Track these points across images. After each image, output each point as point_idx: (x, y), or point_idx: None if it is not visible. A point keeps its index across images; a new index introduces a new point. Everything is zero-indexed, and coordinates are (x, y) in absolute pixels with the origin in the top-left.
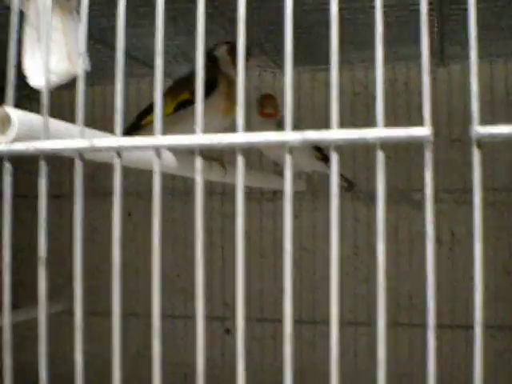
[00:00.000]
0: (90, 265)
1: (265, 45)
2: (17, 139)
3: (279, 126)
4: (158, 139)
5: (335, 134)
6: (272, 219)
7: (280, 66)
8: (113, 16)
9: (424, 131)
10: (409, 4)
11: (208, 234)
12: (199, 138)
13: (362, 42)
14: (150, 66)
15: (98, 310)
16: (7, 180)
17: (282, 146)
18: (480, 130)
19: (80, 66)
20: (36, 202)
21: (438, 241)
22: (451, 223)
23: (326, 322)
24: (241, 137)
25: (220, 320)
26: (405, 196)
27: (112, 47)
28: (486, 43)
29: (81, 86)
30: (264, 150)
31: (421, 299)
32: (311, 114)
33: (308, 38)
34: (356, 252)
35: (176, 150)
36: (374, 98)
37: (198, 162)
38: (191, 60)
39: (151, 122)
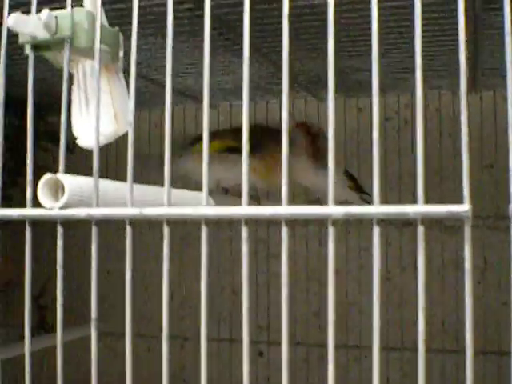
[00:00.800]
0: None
1: (299, 76)
2: (68, 205)
3: (315, 155)
4: (205, 209)
5: (377, 208)
6: (304, 244)
7: (313, 93)
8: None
9: (463, 208)
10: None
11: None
12: (244, 208)
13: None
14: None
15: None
16: (60, 244)
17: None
18: None
19: (126, 126)
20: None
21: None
22: (483, 249)
23: (359, 346)
24: (284, 209)
25: (253, 343)
26: (436, 221)
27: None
28: None
29: (130, 153)
30: (296, 177)
31: (452, 325)
32: (343, 140)
33: (341, 68)
34: (388, 277)
35: (222, 221)
36: (405, 123)
37: (244, 232)
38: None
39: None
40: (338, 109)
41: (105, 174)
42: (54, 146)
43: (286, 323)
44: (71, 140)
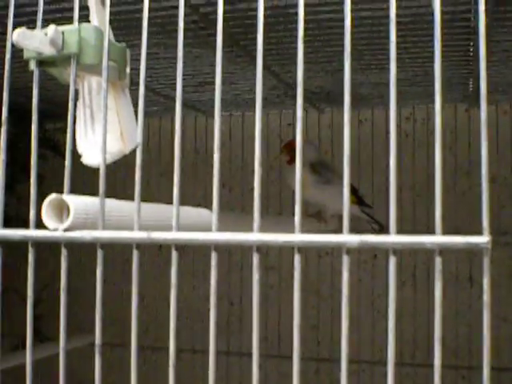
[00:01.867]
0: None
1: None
2: (73, 227)
3: (314, 169)
4: (215, 235)
5: (394, 238)
6: (303, 256)
7: (317, 106)
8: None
9: (482, 239)
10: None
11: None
12: (256, 235)
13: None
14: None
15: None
16: (64, 265)
17: (341, 249)
18: None
19: (132, 144)
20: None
21: (470, 281)
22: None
23: (372, 362)
24: (298, 237)
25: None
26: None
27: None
28: None
29: (137, 175)
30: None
31: (457, 342)
32: (355, 152)
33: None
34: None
35: (231, 247)
36: (406, 136)
37: (256, 259)
38: None
39: None
40: (339, 121)
41: (113, 180)
42: (51, 153)
43: (298, 347)
44: (73, 149)
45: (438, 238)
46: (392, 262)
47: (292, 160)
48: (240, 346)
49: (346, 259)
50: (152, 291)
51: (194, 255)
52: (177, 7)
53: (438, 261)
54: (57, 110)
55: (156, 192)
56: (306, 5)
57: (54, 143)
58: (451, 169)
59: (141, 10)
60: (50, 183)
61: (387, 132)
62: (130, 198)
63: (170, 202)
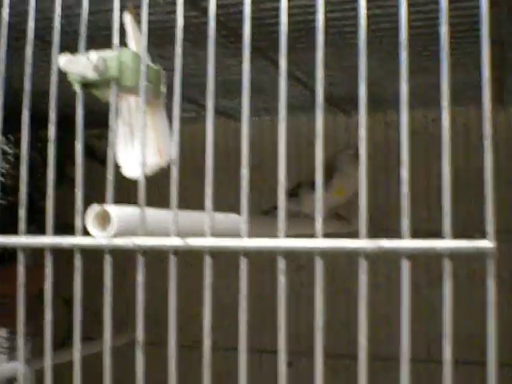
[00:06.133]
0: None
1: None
2: (116, 235)
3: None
4: (245, 241)
5: (407, 243)
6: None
7: (342, 108)
8: None
9: (487, 244)
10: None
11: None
12: (281, 241)
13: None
14: None
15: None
16: (107, 270)
17: (356, 253)
18: None
19: (168, 157)
20: None
21: (499, 278)
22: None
23: (386, 358)
24: (320, 242)
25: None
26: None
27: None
28: None
29: (173, 187)
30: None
31: (479, 337)
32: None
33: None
34: (417, 290)
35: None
36: (432, 137)
37: (281, 264)
38: None
39: None
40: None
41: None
42: (87, 158)
43: (320, 349)
44: (103, 153)
45: (447, 243)
46: (405, 266)
47: None
48: (273, 345)
49: (363, 264)
50: (184, 291)
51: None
52: (205, 23)
53: (448, 264)
54: (93, 117)
55: (189, 193)
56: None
57: (91, 149)
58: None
59: (173, 25)
60: (87, 188)
61: (414, 133)
62: (165, 200)
63: (203, 203)
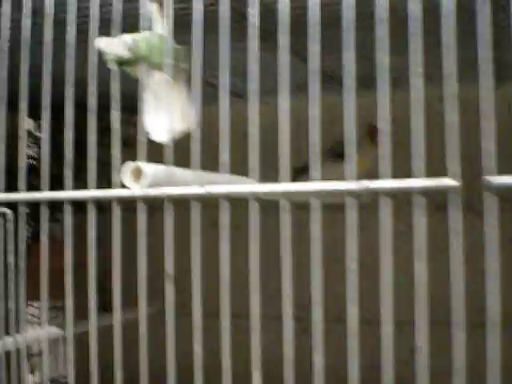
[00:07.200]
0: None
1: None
2: (149, 186)
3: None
4: (256, 187)
5: (387, 183)
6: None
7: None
8: None
9: (453, 182)
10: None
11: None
12: (287, 186)
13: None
14: None
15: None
16: (142, 218)
17: (346, 194)
18: None
19: (189, 125)
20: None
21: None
22: None
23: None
24: (315, 185)
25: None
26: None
27: None
28: None
29: (195, 148)
30: None
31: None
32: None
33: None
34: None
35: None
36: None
37: (284, 205)
38: None
39: None
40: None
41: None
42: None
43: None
44: (128, 136)
45: (418, 182)
46: (383, 204)
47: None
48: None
49: (352, 202)
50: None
51: None
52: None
53: (421, 200)
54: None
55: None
56: None
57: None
58: None
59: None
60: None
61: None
62: (187, 164)
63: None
